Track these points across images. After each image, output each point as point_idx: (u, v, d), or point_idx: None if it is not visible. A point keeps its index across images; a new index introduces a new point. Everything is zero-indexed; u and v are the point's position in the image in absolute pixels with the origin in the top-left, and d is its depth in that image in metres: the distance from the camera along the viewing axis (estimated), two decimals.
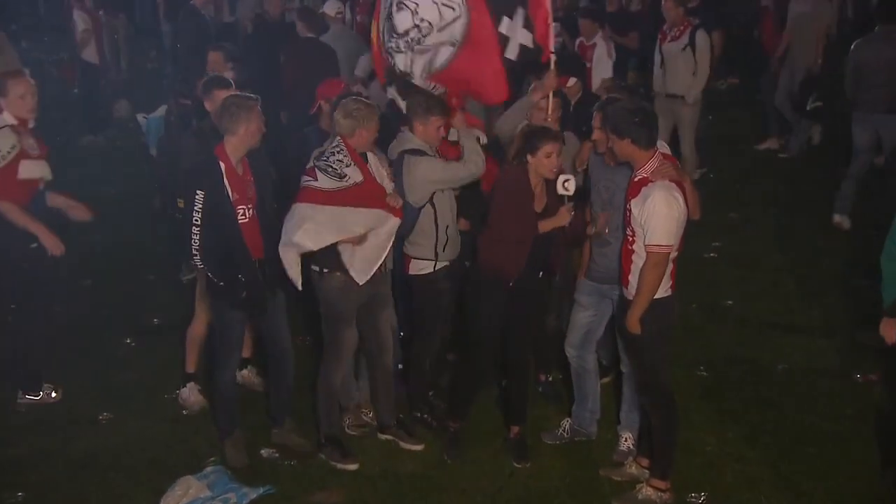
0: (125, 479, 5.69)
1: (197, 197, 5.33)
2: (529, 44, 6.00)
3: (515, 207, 5.52)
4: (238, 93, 5.71)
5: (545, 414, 6.26)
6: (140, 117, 9.14)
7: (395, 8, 5.91)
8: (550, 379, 6.55)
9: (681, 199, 5.04)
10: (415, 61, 5.90)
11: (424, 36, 5.86)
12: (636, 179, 5.12)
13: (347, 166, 5.44)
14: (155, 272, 8.38)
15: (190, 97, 8.18)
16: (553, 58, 6.03)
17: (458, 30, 5.87)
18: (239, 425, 5.88)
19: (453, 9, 5.85)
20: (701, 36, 9.09)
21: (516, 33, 5.94)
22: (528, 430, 5.99)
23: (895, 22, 8.82)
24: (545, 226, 5.54)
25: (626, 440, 5.79)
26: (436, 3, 5.84)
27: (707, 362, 6.93)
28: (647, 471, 5.49)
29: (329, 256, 5.49)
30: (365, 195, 5.47)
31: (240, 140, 5.48)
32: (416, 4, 5.85)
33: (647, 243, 5.03)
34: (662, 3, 9.65)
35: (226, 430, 5.85)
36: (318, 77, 8.87)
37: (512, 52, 5.96)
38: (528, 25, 5.98)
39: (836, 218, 9.17)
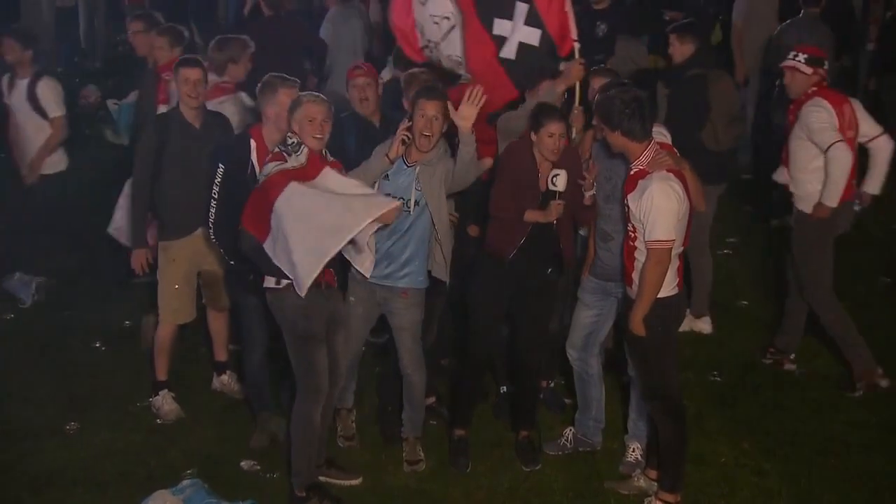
0: (94, 494, 5.66)
1: (218, 171, 5.50)
2: (534, 41, 6.21)
3: (515, 182, 5.58)
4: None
5: (547, 422, 6.26)
6: (110, 104, 9.12)
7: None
8: (552, 385, 6.55)
9: (680, 190, 5.04)
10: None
11: (435, 58, 6.42)
12: (632, 172, 5.13)
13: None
14: (126, 270, 8.34)
15: None
16: (577, 46, 6.19)
17: (457, 44, 6.27)
18: (268, 407, 6.04)
19: (448, 18, 6.28)
20: None
21: (515, 32, 6.20)
22: (537, 433, 6.04)
23: (819, 5, 9.07)
24: (530, 216, 5.58)
25: (633, 451, 5.79)
26: (433, 19, 6.32)
27: (721, 367, 6.94)
28: (655, 483, 5.48)
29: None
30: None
31: (268, 122, 5.50)
32: (423, 25, 6.42)
33: (647, 239, 5.04)
34: None
35: (256, 408, 6.10)
36: (281, 58, 8.92)
37: (509, 52, 6.23)
38: (534, 21, 6.18)
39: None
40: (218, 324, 6.60)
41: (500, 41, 6.27)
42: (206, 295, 6.49)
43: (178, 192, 6.08)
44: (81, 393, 6.68)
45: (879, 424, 6.23)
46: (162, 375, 6.45)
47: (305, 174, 5.17)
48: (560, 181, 5.46)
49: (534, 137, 5.55)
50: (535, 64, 6.29)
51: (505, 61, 6.27)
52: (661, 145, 5.24)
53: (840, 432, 6.16)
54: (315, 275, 5.11)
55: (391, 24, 6.69)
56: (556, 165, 5.60)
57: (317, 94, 5.42)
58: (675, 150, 5.42)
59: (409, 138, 5.51)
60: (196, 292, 6.44)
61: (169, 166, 6.10)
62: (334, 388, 5.58)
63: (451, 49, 6.35)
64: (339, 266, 5.48)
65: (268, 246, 5.15)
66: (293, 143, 5.23)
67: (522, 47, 6.24)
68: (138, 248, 6.33)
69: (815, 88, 6.56)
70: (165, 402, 6.41)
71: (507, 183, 5.61)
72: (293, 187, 5.09)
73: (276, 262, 5.14)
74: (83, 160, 11.00)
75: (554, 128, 5.49)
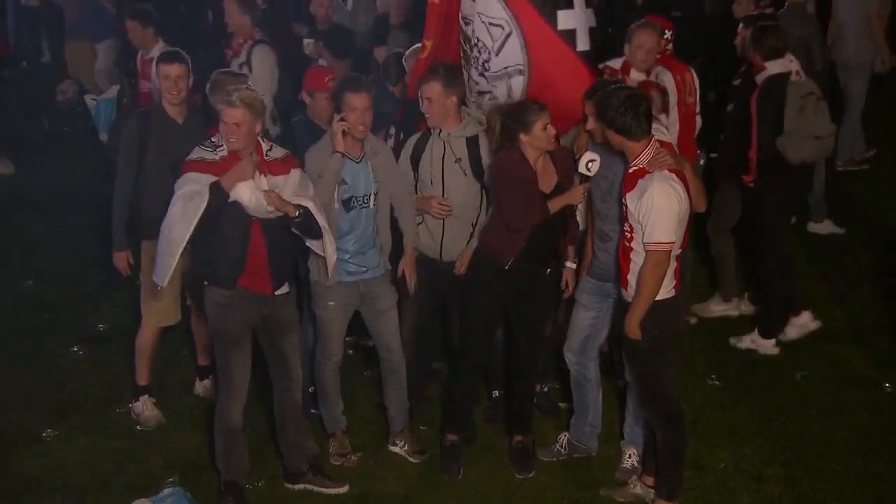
0: (72, 502, 5.65)
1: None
2: (594, 22, 6.15)
3: (522, 192, 5.57)
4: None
5: (541, 428, 6.26)
6: (89, 99, 9.11)
7: (463, 22, 6.21)
8: (547, 389, 6.56)
9: (681, 191, 5.04)
10: (498, 87, 6.14)
11: (487, 60, 6.14)
12: (631, 171, 5.12)
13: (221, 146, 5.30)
14: (103, 273, 8.33)
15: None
16: None
17: (517, 52, 6.02)
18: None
19: (501, 27, 6.03)
20: (258, 52, 7.94)
21: (581, 19, 6.07)
22: (531, 439, 6.05)
23: None
24: (556, 203, 5.59)
25: (629, 457, 5.80)
26: (484, 24, 6.05)
27: (720, 370, 6.95)
28: (652, 490, 5.50)
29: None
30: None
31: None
32: (472, 22, 6.14)
33: (646, 241, 5.03)
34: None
35: None
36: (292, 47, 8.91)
37: (584, 43, 6.07)
38: (588, 2, 6.13)
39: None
40: (202, 327, 6.59)
41: (570, 35, 6.05)
42: (191, 295, 6.48)
43: (161, 190, 6.08)
44: (59, 398, 6.67)
45: (882, 429, 6.24)
46: (142, 380, 6.44)
47: (207, 167, 5.19)
48: (594, 166, 5.46)
49: (525, 138, 5.55)
50: (598, 44, 6.23)
51: (584, 54, 6.09)
52: (662, 143, 5.24)
53: (842, 437, 6.17)
54: (168, 268, 5.19)
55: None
56: (557, 166, 5.66)
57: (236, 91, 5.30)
58: (674, 148, 5.44)
59: (347, 129, 5.54)
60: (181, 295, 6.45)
61: (151, 164, 6.10)
62: (289, 392, 5.63)
63: (509, 59, 6.05)
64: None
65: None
66: (213, 141, 5.29)
67: (591, 32, 6.12)
68: (119, 251, 6.33)
69: (658, 56, 6.70)
70: (146, 408, 6.41)
71: (516, 193, 5.58)
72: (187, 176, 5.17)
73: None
74: (61, 159, 11.04)
75: (546, 118, 5.53)
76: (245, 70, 7.77)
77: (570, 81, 5.98)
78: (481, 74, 6.19)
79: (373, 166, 5.69)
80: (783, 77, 6.90)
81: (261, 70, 7.77)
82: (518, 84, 6.09)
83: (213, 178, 5.14)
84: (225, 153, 5.23)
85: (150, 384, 6.47)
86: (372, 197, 5.71)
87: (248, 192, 5.19)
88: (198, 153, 5.27)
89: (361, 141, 5.65)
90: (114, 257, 6.36)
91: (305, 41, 9.01)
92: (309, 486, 5.72)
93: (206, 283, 5.40)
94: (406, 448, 6.01)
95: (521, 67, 6.06)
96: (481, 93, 6.24)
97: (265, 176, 5.26)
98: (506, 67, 6.09)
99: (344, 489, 5.74)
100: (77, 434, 6.27)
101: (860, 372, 6.89)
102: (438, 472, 5.90)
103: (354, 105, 5.53)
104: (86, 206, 8.53)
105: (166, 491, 5.60)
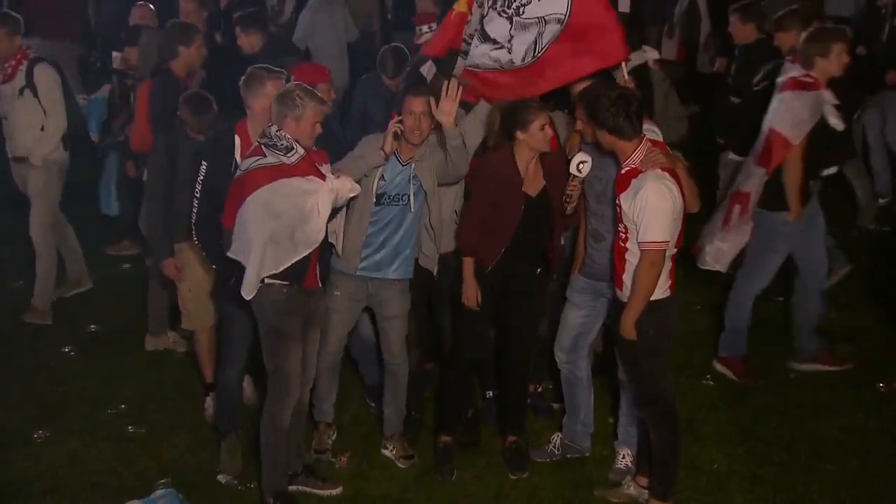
0: None
1: (201, 168, 5.51)
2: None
3: (504, 194, 5.59)
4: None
5: (534, 428, 6.29)
6: (80, 98, 9.09)
7: None
8: (540, 389, 6.58)
9: (675, 189, 5.08)
10: (516, 38, 5.95)
11: (525, 4, 5.96)
12: (624, 171, 5.15)
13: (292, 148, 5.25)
14: (95, 274, 8.35)
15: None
16: None
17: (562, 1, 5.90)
18: (236, 428, 5.94)
19: None
20: (41, 72, 7.50)
21: None
22: (524, 439, 6.07)
23: None
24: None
25: (623, 457, 5.83)
26: None
27: (714, 370, 6.98)
28: (646, 491, 5.52)
29: None
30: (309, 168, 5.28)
31: (254, 116, 5.48)
32: None
33: (640, 240, 5.06)
34: None
35: (221, 430, 5.93)
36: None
37: (625, 4, 6.08)
38: None
39: None
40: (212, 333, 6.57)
41: None
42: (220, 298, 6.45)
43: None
44: (50, 400, 6.68)
45: (877, 428, 6.28)
46: (210, 379, 6.43)
47: (289, 171, 5.16)
48: (585, 168, 5.47)
49: (522, 137, 5.57)
50: (637, 14, 6.25)
51: (622, 15, 5.95)
52: (654, 143, 5.27)
53: (837, 436, 6.20)
54: (257, 283, 5.18)
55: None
56: (545, 169, 5.68)
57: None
58: (666, 147, 5.46)
59: (401, 131, 5.57)
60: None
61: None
62: (304, 389, 5.62)
63: (551, 6, 5.88)
64: (323, 263, 5.52)
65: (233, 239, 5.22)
66: (285, 145, 5.18)
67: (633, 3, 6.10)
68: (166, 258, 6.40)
69: None
70: (211, 406, 6.41)
71: (495, 194, 5.61)
72: (269, 188, 5.09)
73: (230, 254, 5.20)
74: None
75: (544, 118, 5.55)
76: (28, 94, 7.47)
77: (603, 41, 5.88)
78: (509, 18, 5.99)
79: (417, 171, 5.67)
80: (643, 67, 7.24)
81: (49, 90, 7.52)
82: (551, 32, 5.92)
83: (311, 181, 5.15)
84: (300, 153, 5.17)
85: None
86: (402, 198, 5.69)
87: (349, 184, 5.28)
88: (274, 158, 5.15)
89: (416, 145, 5.66)
90: (164, 266, 6.38)
91: (114, 54, 8.62)
92: (302, 488, 5.73)
93: (265, 281, 5.25)
94: (395, 452, 6.03)
95: (561, 17, 5.90)
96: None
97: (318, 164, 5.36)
98: (544, 15, 5.92)
99: (337, 491, 5.75)
100: (68, 436, 6.28)
101: (854, 372, 6.92)
102: (432, 473, 5.91)
103: (412, 109, 5.54)
104: (78, 205, 8.52)
105: (159, 493, 5.59)
